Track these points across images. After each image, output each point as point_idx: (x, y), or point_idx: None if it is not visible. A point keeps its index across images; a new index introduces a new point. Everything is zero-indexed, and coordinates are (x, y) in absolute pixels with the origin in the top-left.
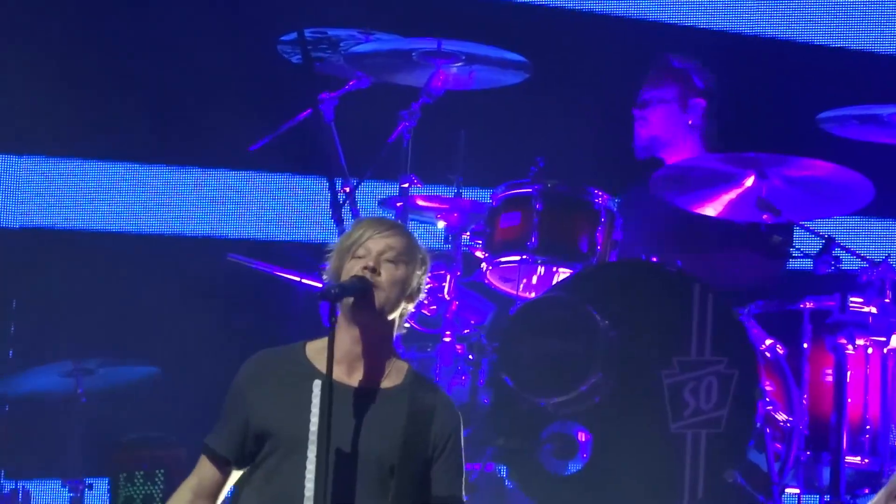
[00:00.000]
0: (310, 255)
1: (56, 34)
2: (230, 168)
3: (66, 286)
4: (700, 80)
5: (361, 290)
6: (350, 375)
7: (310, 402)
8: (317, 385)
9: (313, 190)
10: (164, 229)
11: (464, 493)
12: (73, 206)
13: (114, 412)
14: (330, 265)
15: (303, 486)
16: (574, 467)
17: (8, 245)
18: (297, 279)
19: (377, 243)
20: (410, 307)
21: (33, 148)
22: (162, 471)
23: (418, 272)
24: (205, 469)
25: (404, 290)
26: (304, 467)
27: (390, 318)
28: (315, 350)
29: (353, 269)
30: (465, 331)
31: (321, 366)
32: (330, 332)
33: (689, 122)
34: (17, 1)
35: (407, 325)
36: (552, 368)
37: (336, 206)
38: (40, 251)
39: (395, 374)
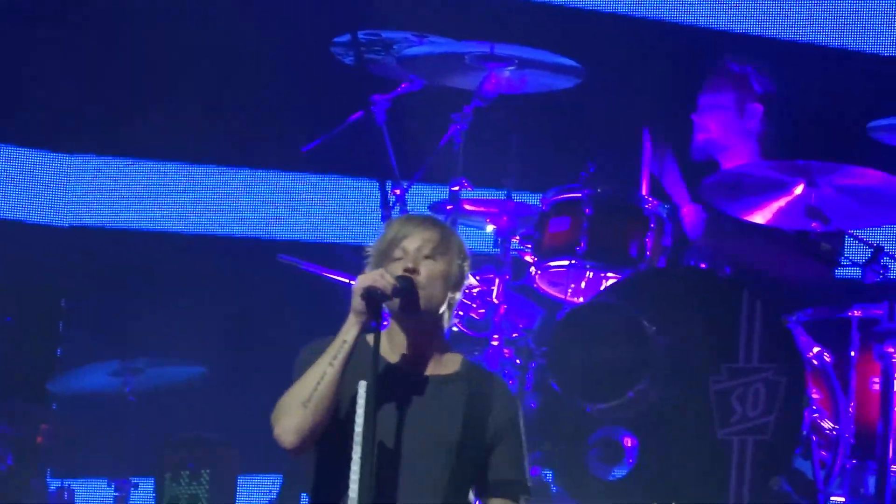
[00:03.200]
0: (359, 257)
1: (111, 33)
2: (281, 169)
3: (115, 285)
4: (759, 84)
5: (406, 290)
6: (410, 364)
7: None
8: (362, 386)
9: (364, 192)
10: (213, 229)
11: (527, 477)
12: (122, 205)
13: (161, 412)
14: (370, 270)
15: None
16: (620, 472)
17: (57, 244)
18: (346, 281)
19: (412, 241)
20: (458, 296)
21: (83, 146)
22: (208, 471)
23: (457, 260)
24: None
25: (447, 282)
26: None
27: (440, 311)
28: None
29: (394, 272)
30: (514, 335)
31: (386, 354)
32: (376, 334)
33: (747, 127)
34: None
35: (455, 328)
36: (600, 374)
37: (386, 209)
38: (89, 250)
39: (450, 364)
